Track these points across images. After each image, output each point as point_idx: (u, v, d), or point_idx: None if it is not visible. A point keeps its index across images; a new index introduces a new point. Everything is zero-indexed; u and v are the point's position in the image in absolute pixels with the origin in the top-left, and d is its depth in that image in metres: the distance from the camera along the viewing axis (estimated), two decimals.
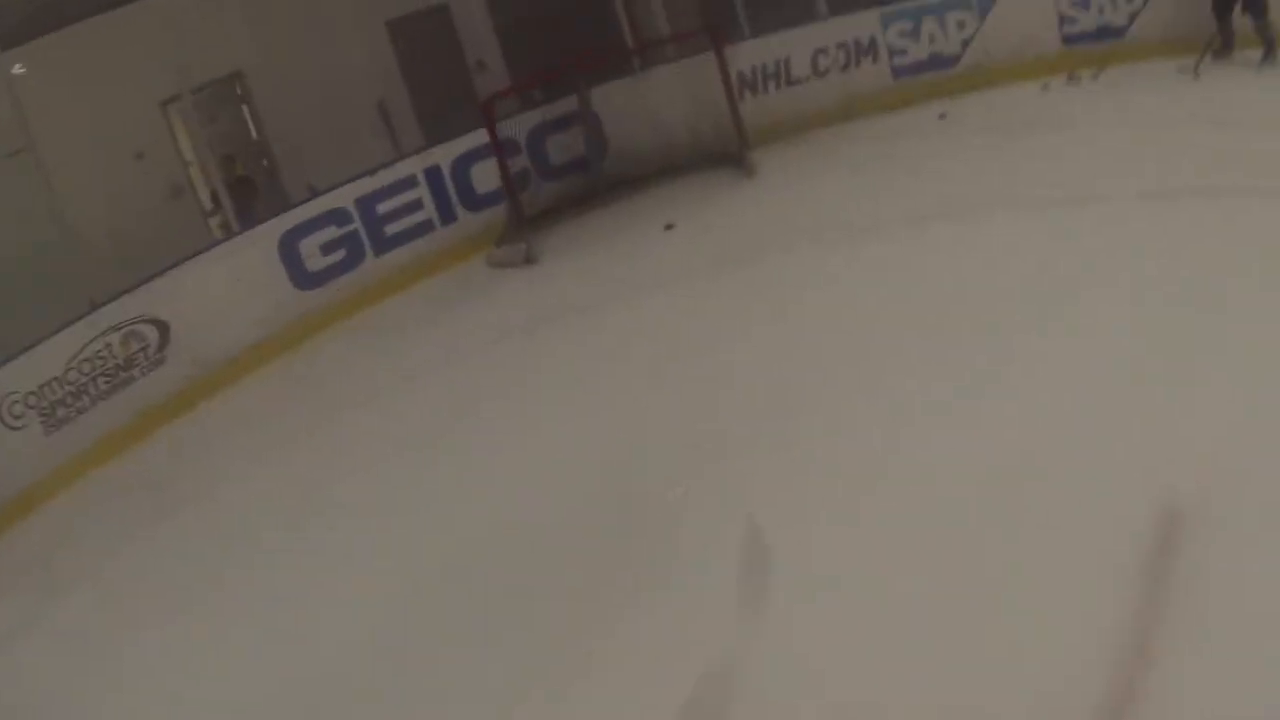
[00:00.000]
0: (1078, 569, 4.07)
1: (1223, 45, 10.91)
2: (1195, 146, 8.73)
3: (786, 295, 7.06)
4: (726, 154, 9.66)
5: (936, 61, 11.33)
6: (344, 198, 8.68)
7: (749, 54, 10.39)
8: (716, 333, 6.64)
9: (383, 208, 8.79)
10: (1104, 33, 11.77)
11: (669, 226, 8.53)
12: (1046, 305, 6.25)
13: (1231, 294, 6.16)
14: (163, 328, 7.81)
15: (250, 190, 10.24)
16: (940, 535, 4.39)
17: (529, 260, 8.42)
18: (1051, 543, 4.24)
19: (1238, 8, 10.69)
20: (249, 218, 9.18)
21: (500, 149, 8.71)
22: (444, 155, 9.12)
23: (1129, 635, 3.80)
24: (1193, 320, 5.90)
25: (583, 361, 6.66)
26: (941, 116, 10.67)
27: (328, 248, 8.49)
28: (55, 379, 7.33)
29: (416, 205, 8.92)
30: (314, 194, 8.78)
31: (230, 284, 8.19)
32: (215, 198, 9.86)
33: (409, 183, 8.94)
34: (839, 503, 4.69)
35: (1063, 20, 11.73)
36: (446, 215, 9.03)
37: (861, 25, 11.11)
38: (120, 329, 7.60)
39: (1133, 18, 11.66)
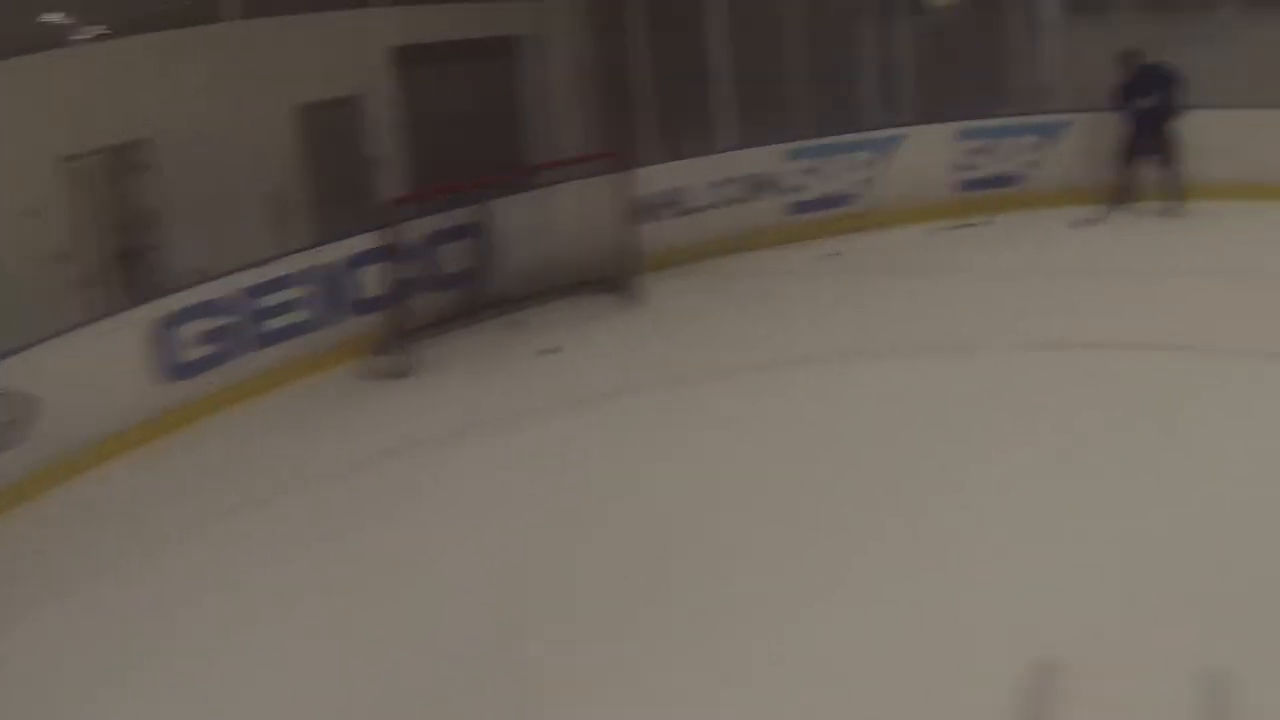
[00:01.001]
0: None
1: (1126, 195, 11.41)
2: (1085, 296, 9.17)
3: (656, 436, 7.17)
4: (616, 279, 9.76)
5: (834, 200, 11.64)
6: (229, 287, 8.56)
7: (649, 180, 10.50)
8: (578, 471, 6.69)
9: (266, 302, 8.70)
10: (1001, 180, 12.21)
11: (549, 351, 8.59)
12: (906, 458, 6.48)
13: (1102, 448, 6.44)
14: (21, 402, 7.59)
15: (136, 265, 10.07)
16: (819, 690, 4.49)
17: (404, 373, 8.40)
18: (927, 704, 4.35)
19: (1150, 157, 11.20)
20: (131, 294, 9.04)
21: (392, 254, 8.71)
22: (335, 254, 9.06)
23: None
24: (1062, 474, 6.14)
25: (441, 495, 6.61)
26: (834, 255, 10.91)
27: (204, 338, 8.36)
28: None
29: (301, 303, 8.84)
30: (198, 279, 8.66)
31: (98, 365, 7.97)
32: (100, 268, 9.69)
33: (296, 279, 8.85)
34: (714, 658, 4.75)
35: (961, 166, 12.14)
36: (329, 317, 8.96)
37: (762, 160, 11.37)
38: None
39: (1030, 167, 12.11)
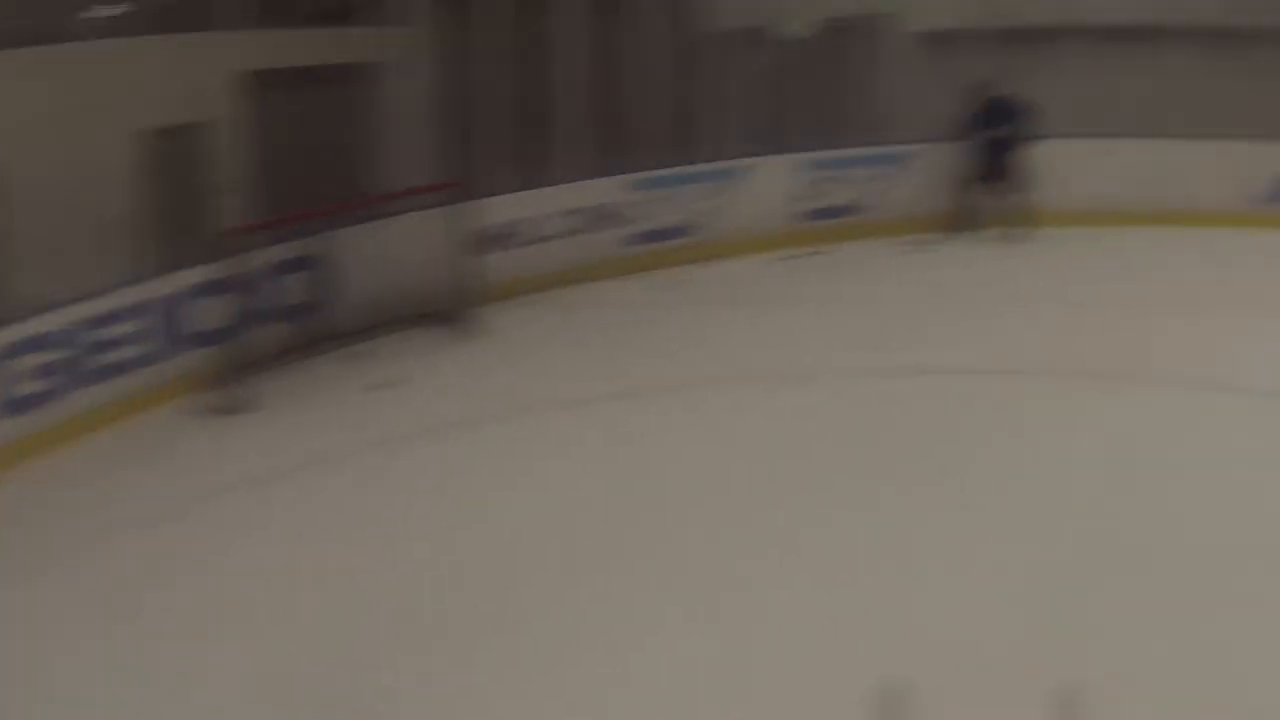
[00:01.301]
0: None
1: (971, 223, 12.02)
2: (928, 323, 9.74)
3: (500, 466, 7.36)
4: (459, 310, 9.90)
5: (677, 231, 11.89)
6: (62, 319, 8.47)
7: (493, 210, 10.61)
8: (422, 502, 6.85)
9: (101, 335, 8.60)
10: (844, 210, 12.68)
11: (391, 384, 8.71)
12: (750, 485, 6.84)
13: (942, 471, 6.89)
14: None
15: None
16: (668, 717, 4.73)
17: (243, 409, 8.44)
18: None
19: (996, 186, 11.79)
20: None
21: (232, 285, 8.71)
22: (174, 285, 8.97)
23: None
24: (903, 499, 6.57)
25: (281, 530, 6.68)
26: (675, 286, 11.19)
27: (36, 373, 8.27)
28: None
29: (137, 336, 8.76)
30: (31, 311, 8.54)
31: None
32: None
33: (133, 311, 8.76)
34: (563, 686, 4.96)
35: (804, 196, 12.56)
36: (167, 351, 8.86)
37: (605, 191, 11.57)
38: None
39: (873, 197, 12.59)
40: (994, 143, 12.18)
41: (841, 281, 11.55)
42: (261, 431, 8.10)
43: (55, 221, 9.37)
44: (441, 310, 9.88)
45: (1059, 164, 12.34)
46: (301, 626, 5.54)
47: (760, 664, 5.08)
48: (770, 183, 12.61)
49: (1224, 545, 6.01)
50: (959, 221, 12.49)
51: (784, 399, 8.30)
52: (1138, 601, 5.48)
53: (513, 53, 11.58)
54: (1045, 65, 12.94)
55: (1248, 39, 13.32)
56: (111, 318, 8.62)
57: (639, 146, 12.12)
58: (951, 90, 12.50)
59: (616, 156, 11.94)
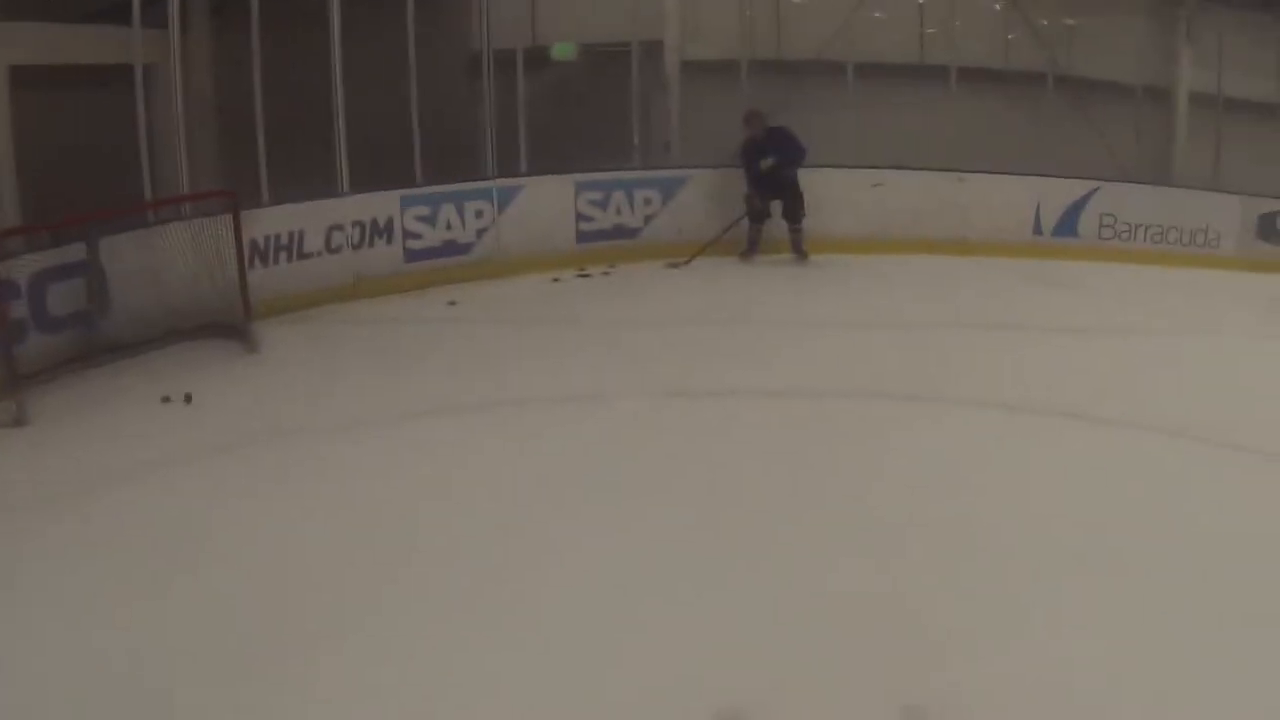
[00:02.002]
0: None
1: (750, 249, 12.70)
2: (704, 344, 10.23)
3: (276, 488, 7.26)
4: (231, 325, 9.84)
5: (451, 248, 12.09)
6: None
7: (265, 222, 10.65)
8: (198, 523, 6.69)
9: None
10: (618, 232, 13.15)
11: (166, 400, 8.60)
12: (545, 506, 6.92)
13: (742, 493, 7.14)
14: None
15: None
16: None
17: (18, 423, 8.19)
18: None
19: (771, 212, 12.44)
20: None
21: None
22: None
23: None
24: (710, 522, 6.72)
25: (58, 554, 6.37)
26: (450, 304, 11.39)
27: None
28: None
29: None
30: None
31: None
32: None
33: None
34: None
35: (579, 217, 12.97)
36: None
37: (380, 205, 11.65)
38: None
39: (647, 220, 13.12)
40: (769, 171, 12.90)
41: (618, 302, 11.90)
42: (34, 448, 7.83)
43: None
44: (217, 323, 9.77)
45: (832, 192, 13.21)
46: (74, 658, 5.37)
47: (586, 689, 5.18)
48: (547, 203, 12.98)
49: (1030, 554, 6.46)
50: (738, 245, 13.23)
51: (567, 417, 8.50)
52: (947, 612, 5.85)
53: (290, 61, 11.49)
54: (818, 98, 13.78)
55: (1015, 80, 14.74)
56: None
57: (416, 162, 12.19)
58: (728, 118, 13.18)
59: (393, 171, 11.96)
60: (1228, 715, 5.05)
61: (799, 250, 13.23)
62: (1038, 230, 14.27)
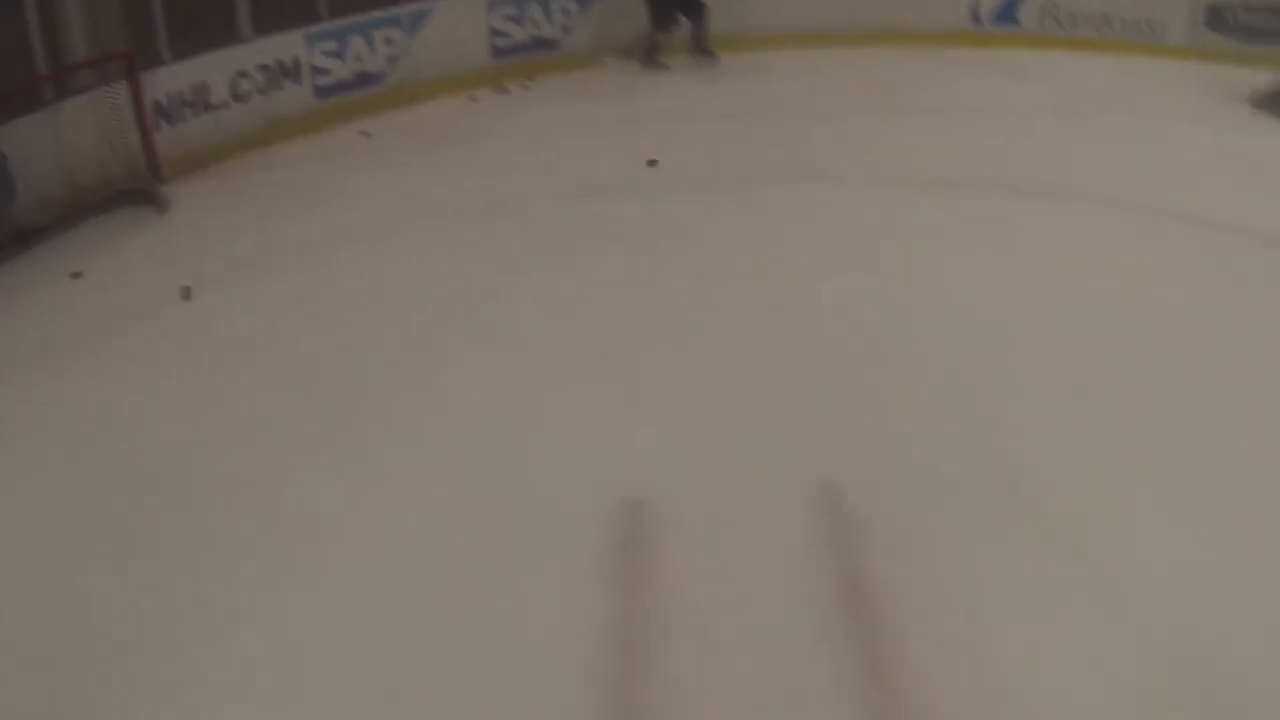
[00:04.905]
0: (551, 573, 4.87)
1: (658, 52, 12.50)
2: (626, 146, 10.18)
3: (196, 343, 7.37)
4: (140, 190, 9.73)
5: (364, 80, 11.87)
6: None
7: (166, 81, 10.37)
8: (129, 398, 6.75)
9: None
10: (535, 45, 12.90)
11: (76, 275, 8.65)
12: (465, 313, 7.19)
13: (659, 291, 7.37)
14: None
15: None
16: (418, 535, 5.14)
17: None
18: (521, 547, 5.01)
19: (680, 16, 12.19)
20: None
21: None
22: None
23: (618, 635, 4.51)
24: (632, 311, 7.03)
25: None
26: (364, 134, 11.29)
27: None
28: None
29: None
30: None
31: None
32: None
33: None
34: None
35: (494, 33, 12.71)
36: None
37: (284, 46, 11.36)
38: None
39: (564, 31, 12.85)
40: None
41: (539, 114, 11.82)
42: None
43: None
44: (126, 192, 9.65)
45: None
46: None
47: (503, 481, 5.51)
48: (459, 22, 12.66)
49: (957, 332, 6.69)
50: (650, 51, 12.94)
51: (496, 227, 8.67)
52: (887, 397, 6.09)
53: None
54: None
55: None
56: None
57: None
58: None
59: (297, 9, 11.66)
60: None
61: (703, 49, 12.95)
62: (976, 20, 13.79)
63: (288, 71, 11.40)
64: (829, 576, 4.84)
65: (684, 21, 12.93)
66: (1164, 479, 5.41)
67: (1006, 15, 13.80)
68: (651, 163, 8.06)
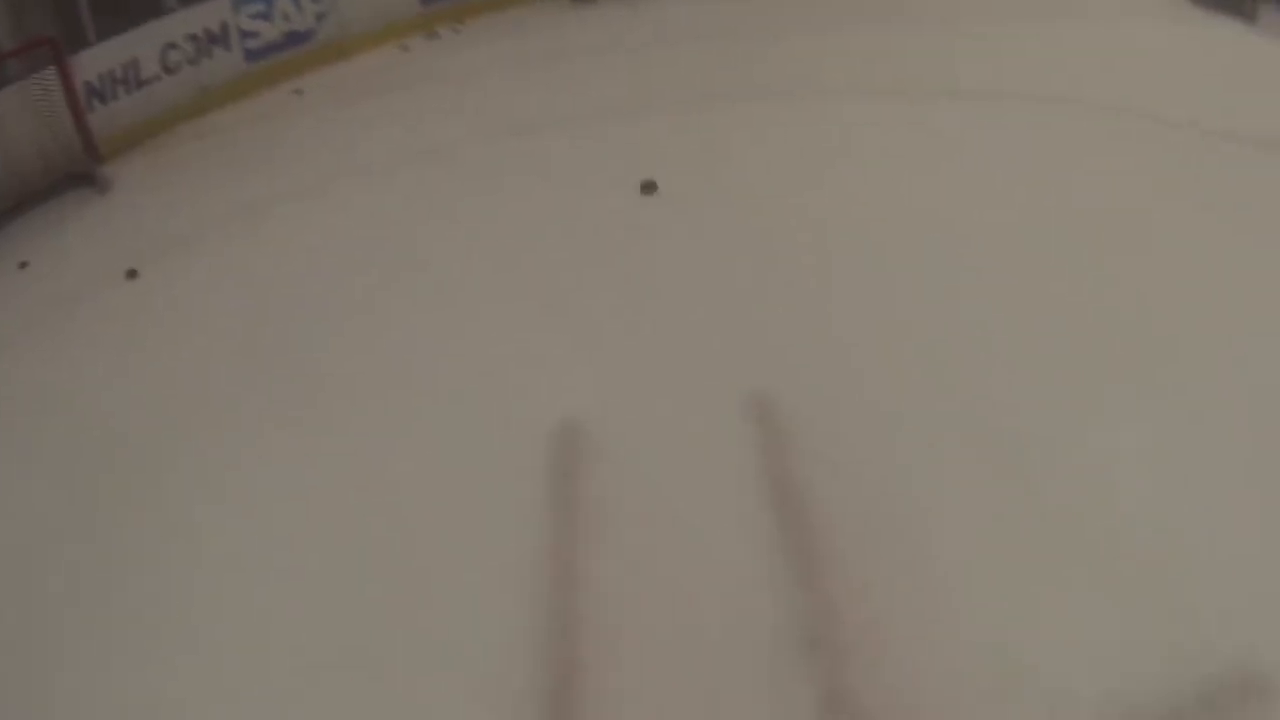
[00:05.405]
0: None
1: None
2: (545, 86, 10.27)
3: (143, 323, 7.50)
4: (80, 173, 9.90)
5: (293, 39, 11.94)
6: None
7: (95, 61, 10.48)
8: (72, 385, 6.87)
9: None
10: None
11: (23, 265, 8.85)
12: (399, 269, 7.32)
13: (597, 222, 7.46)
14: None
15: None
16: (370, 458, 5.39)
17: None
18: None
19: None
20: None
21: None
22: None
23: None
24: (567, 248, 7.13)
25: None
26: (298, 93, 11.39)
27: None
28: None
29: None
30: None
31: None
32: None
33: None
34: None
35: None
36: None
37: (211, 13, 11.43)
38: None
39: None
40: None
41: (472, 55, 11.88)
42: None
43: None
44: (65, 177, 9.83)
45: None
46: None
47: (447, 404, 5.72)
48: None
49: (891, 238, 6.72)
50: None
51: (431, 173, 8.75)
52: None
53: None
54: None
55: None
56: None
57: None
58: None
59: None
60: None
61: None
62: None
63: (216, 38, 11.46)
64: (762, 480, 4.96)
65: None
66: (1118, 399, 5.25)
67: None
68: (648, 186, 7.79)
